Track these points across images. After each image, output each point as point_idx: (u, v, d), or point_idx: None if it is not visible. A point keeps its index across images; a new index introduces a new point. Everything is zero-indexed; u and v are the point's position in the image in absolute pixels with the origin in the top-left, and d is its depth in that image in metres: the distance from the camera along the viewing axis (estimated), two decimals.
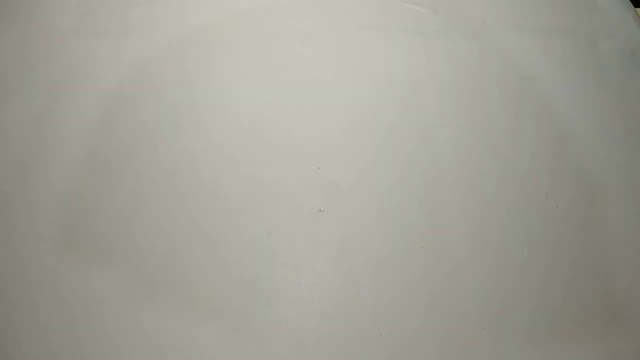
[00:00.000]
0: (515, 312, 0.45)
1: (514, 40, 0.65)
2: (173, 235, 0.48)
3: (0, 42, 0.63)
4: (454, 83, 0.59)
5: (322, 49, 0.62)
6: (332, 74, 0.60)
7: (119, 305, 0.44)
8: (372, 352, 0.44)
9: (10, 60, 0.61)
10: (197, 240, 0.48)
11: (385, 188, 0.51)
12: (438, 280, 0.46)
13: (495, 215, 0.50)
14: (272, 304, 0.45)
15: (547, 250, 0.48)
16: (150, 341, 0.43)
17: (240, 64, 0.60)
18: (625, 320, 0.45)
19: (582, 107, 0.58)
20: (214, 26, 0.66)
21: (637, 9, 0.72)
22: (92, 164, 0.52)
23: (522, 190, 0.51)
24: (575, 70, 0.62)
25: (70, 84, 0.59)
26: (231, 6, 0.68)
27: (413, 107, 0.57)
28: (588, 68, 0.63)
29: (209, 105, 0.57)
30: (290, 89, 0.58)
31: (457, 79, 0.59)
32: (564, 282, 0.46)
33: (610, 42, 0.66)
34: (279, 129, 0.55)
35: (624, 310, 0.45)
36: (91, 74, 0.60)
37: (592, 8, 0.70)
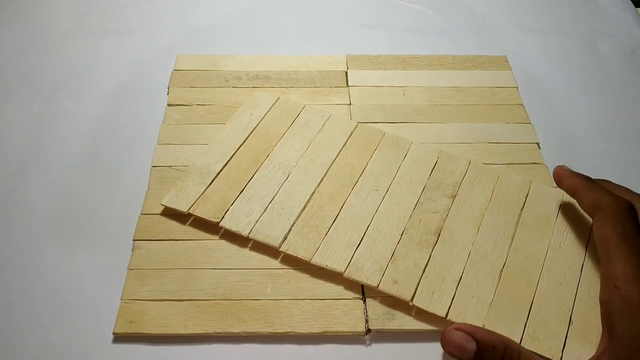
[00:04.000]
0: None
1: (513, 39, 0.65)
2: None
3: (0, 42, 0.63)
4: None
5: (321, 48, 0.62)
6: None
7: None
8: None
9: (10, 60, 0.61)
10: None
11: None
12: None
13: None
14: None
15: None
16: None
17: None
18: None
19: (581, 107, 0.58)
20: (214, 25, 0.66)
21: (637, 9, 0.72)
22: (92, 163, 0.52)
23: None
24: (575, 69, 0.62)
25: (70, 83, 0.59)
26: (232, 5, 0.68)
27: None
28: (588, 68, 0.63)
29: None
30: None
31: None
32: None
33: (610, 42, 0.66)
34: None
35: None
36: (91, 74, 0.60)
37: (592, 8, 0.71)
